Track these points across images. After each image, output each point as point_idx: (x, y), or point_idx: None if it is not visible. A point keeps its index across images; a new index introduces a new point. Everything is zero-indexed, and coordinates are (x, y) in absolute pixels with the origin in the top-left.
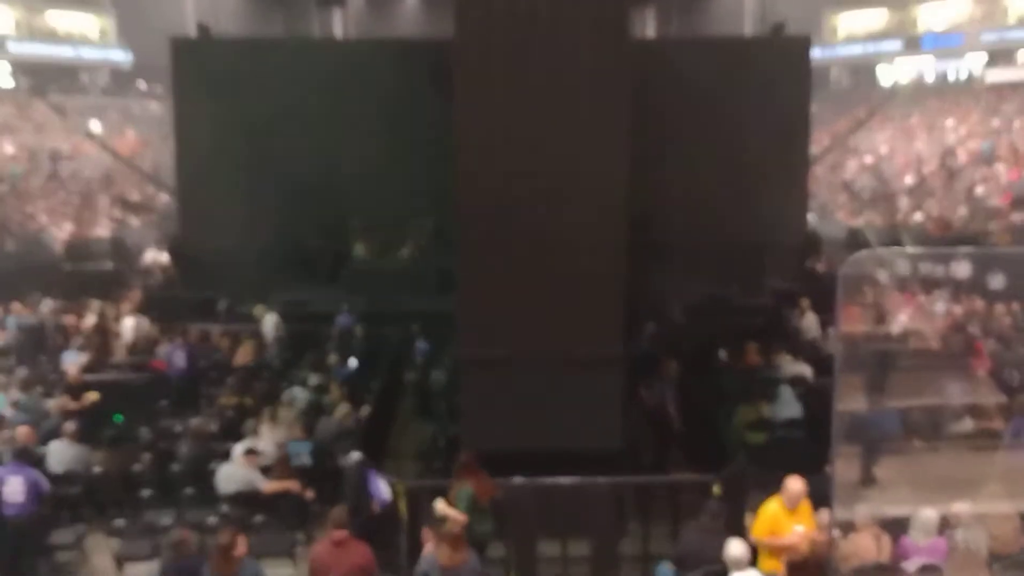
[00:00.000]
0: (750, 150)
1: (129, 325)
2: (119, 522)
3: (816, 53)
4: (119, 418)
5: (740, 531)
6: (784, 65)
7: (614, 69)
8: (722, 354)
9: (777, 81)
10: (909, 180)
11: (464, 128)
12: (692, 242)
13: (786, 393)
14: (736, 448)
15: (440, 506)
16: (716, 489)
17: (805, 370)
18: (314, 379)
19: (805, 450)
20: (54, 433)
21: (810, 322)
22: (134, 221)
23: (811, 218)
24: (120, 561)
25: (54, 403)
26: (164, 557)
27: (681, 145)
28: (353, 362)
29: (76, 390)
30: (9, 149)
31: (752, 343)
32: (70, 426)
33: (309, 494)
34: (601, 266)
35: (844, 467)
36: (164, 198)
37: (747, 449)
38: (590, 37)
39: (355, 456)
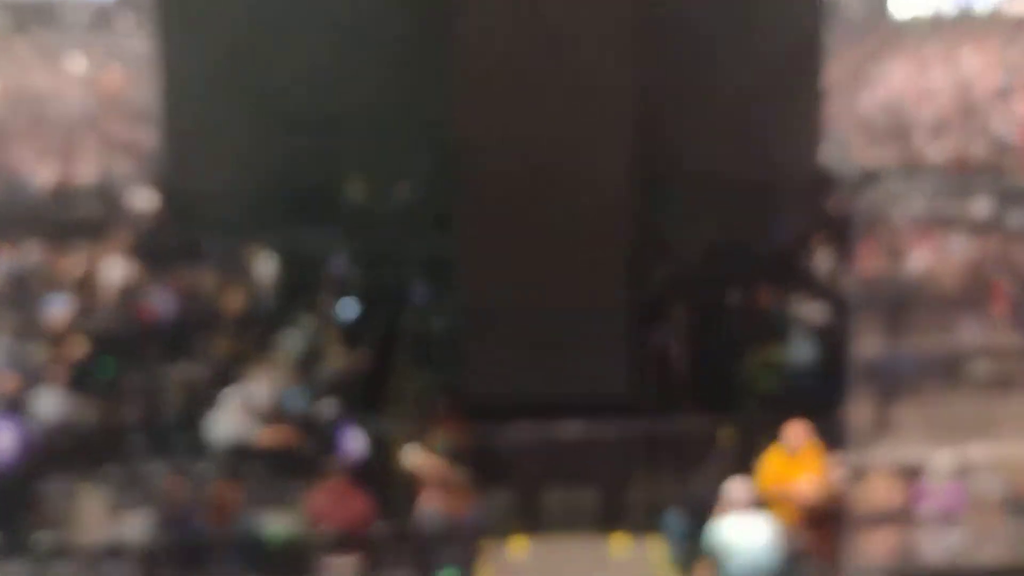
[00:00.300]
0: (760, 83)
1: (115, 270)
2: (110, 472)
3: None
4: (109, 366)
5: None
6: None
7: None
8: (734, 296)
9: (789, 7)
10: (926, 115)
11: (464, 59)
12: (702, 181)
13: (799, 336)
14: (747, 394)
15: (414, 455)
16: (725, 436)
17: (819, 312)
18: (308, 323)
19: (819, 395)
20: (42, 382)
21: (824, 263)
22: (121, 162)
23: (825, 155)
24: (111, 511)
25: (40, 351)
26: (159, 508)
27: (689, 78)
28: (348, 307)
29: (62, 338)
30: None
31: (764, 284)
32: (59, 375)
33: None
34: (607, 206)
35: (858, 411)
36: (152, 137)
37: (759, 395)
38: None
39: (327, 407)
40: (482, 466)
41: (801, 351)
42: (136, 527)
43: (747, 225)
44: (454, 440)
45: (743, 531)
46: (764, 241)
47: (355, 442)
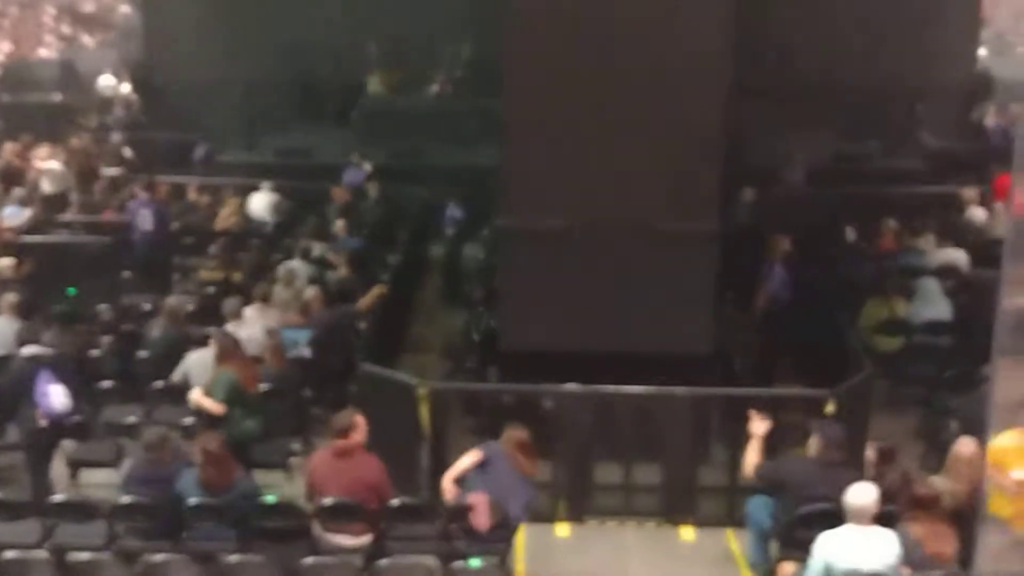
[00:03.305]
0: None
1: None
2: (73, 419)
3: None
4: (71, 291)
5: (859, 462)
6: None
7: None
8: (849, 233)
9: None
10: None
11: None
12: (818, 84)
13: (931, 286)
14: (861, 355)
15: (194, 396)
16: (830, 407)
17: (959, 258)
18: (316, 250)
19: (953, 360)
20: None
21: (972, 194)
22: (87, 40)
23: (982, 53)
24: (74, 466)
25: None
26: (135, 461)
27: None
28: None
29: (7, 252)
30: None
31: (890, 220)
32: (11, 298)
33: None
34: (694, 112)
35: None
36: (125, 10)
37: (875, 357)
38: None
39: (25, 350)
40: None
41: (932, 305)
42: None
43: (875, 141)
44: (238, 379)
45: (860, 550)
46: (895, 162)
47: (57, 394)
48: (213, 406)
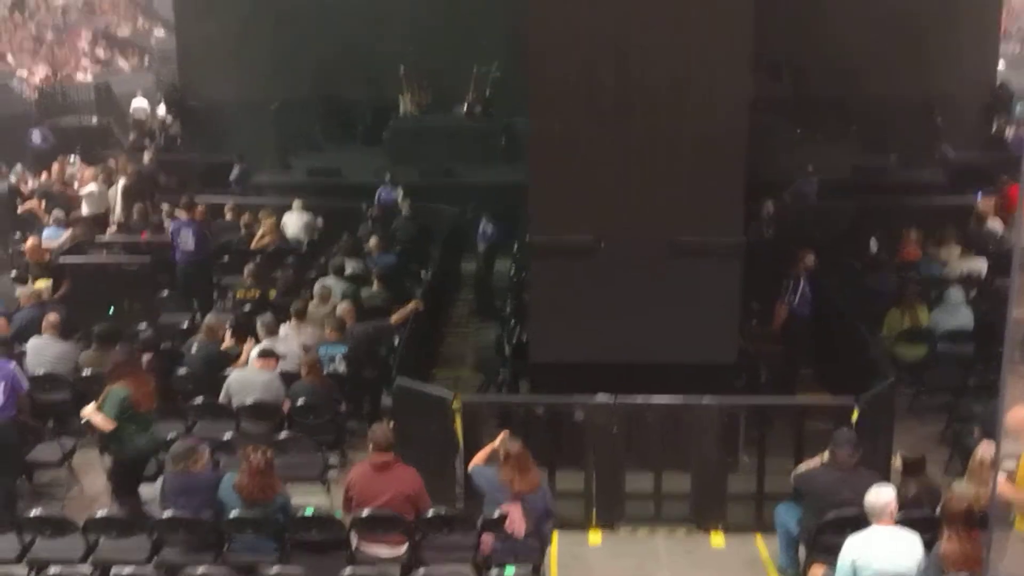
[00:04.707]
0: None
1: (116, 194)
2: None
3: None
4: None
5: (885, 470)
6: None
7: None
8: (872, 243)
9: None
10: None
11: None
12: (837, 96)
13: (954, 295)
14: (884, 364)
15: (87, 410)
16: (855, 415)
17: (980, 267)
18: (350, 266)
19: (976, 368)
20: (33, 326)
21: (989, 205)
22: (123, 64)
23: (1001, 66)
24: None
25: (22, 291)
26: (167, 475)
27: None
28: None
29: (45, 273)
30: None
31: (911, 229)
32: (53, 318)
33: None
34: (715, 127)
35: (1020, 391)
36: (160, 34)
37: (899, 366)
38: None
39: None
40: (553, 444)
41: (955, 314)
42: (147, 497)
43: (895, 153)
44: (130, 395)
45: (885, 549)
46: (916, 173)
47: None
48: (103, 422)
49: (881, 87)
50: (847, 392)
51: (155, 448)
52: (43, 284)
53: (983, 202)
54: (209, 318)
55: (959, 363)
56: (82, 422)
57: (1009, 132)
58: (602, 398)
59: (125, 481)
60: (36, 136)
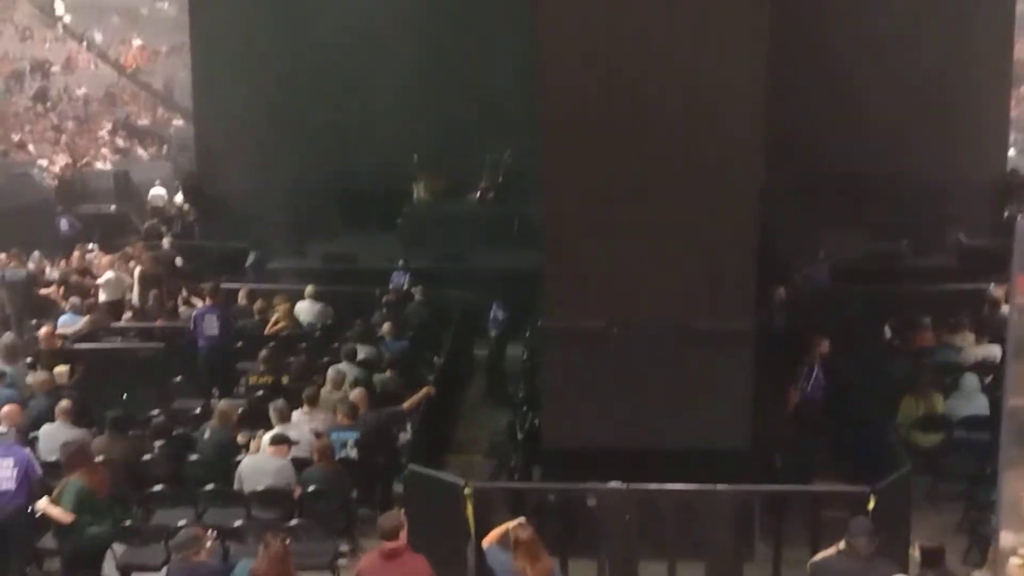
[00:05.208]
0: (929, 63)
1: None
2: (125, 523)
3: None
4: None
5: (903, 560)
6: None
7: None
8: (886, 330)
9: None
10: None
11: (551, 30)
12: (849, 182)
13: (969, 383)
14: (900, 452)
15: (42, 504)
16: (871, 504)
17: (995, 353)
18: (363, 352)
19: (993, 455)
20: (46, 413)
21: (1001, 292)
22: (142, 152)
23: (1012, 152)
24: (124, 571)
25: (33, 377)
26: (171, 564)
27: (837, 55)
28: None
29: (58, 360)
30: None
31: (925, 316)
32: (65, 405)
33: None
34: (728, 213)
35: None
36: (179, 124)
37: (914, 453)
38: None
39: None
40: (566, 531)
41: (970, 401)
42: None
43: (907, 238)
44: (86, 486)
45: None
46: (928, 259)
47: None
48: (61, 515)
49: (892, 173)
50: (863, 479)
51: (112, 537)
52: (59, 370)
53: (997, 288)
54: (221, 403)
55: (976, 450)
56: (37, 515)
57: (1021, 219)
58: (615, 485)
59: (81, 573)
60: (64, 224)
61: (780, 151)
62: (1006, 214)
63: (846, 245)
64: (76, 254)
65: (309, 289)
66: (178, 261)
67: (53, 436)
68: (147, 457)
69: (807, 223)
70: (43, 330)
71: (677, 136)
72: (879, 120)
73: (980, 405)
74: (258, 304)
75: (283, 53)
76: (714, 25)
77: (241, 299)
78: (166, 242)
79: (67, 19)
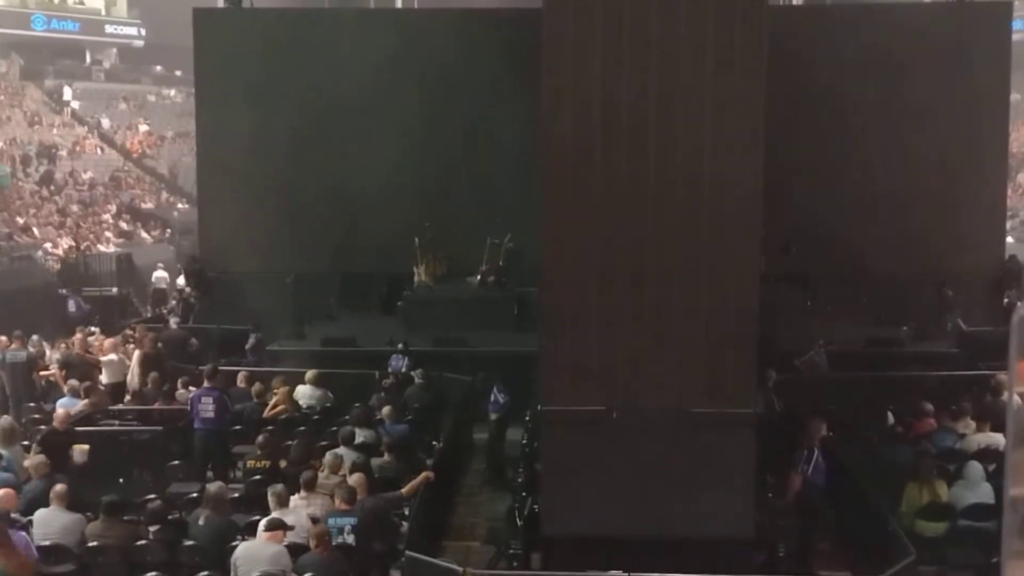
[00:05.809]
0: (928, 150)
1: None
2: None
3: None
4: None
5: None
6: (976, 38)
7: (747, 42)
8: (889, 416)
9: (967, 59)
10: None
11: (552, 117)
12: (847, 270)
13: (973, 470)
14: (904, 540)
15: None
16: None
17: (998, 440)
18: (361, 436)
19: (999, 545)
20: (41, 497)
21: (1003, 379)
22: (145, 235)
23: (1010, 240)
24: None
25: (29, 462)
26: None
27: (836, 144)
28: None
29: (54, 443)
30: None
31: (926, 404)
32: (60, 489)
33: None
34: (727, 300)
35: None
36: (183, 207)
37: (919, 542)
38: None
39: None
40: None
41: (974, 489)
42: None
43: (907, 325)
44: (6, 570)
45: None
46: (928, 346)
47: None
48: None
49: (890, 264)
50: (867, 568)
51: None
52: (80, 448)
53: (1000, 375)
54: (211, 488)
55: (982, 540)
56: None
57: (1020, 306)
58: (615, 574)
59: None
60: (71, 305)
61: (779, 246)
62: (1005, 300)
63: (847, 333)
64: (78, 336)
65: (310, 374)
66: (193, 342)
67: (47, 521)
68: (141, 543)
69: (807, 311)
70: (59, 411)
71: (675, 228)
72: (877, 210)
73: (985, 493)
74: (256, 387)
75: (286, 142)
76: (713, 123)
77: (240, 382)
78: (173, 322)
79: (75, 105)
